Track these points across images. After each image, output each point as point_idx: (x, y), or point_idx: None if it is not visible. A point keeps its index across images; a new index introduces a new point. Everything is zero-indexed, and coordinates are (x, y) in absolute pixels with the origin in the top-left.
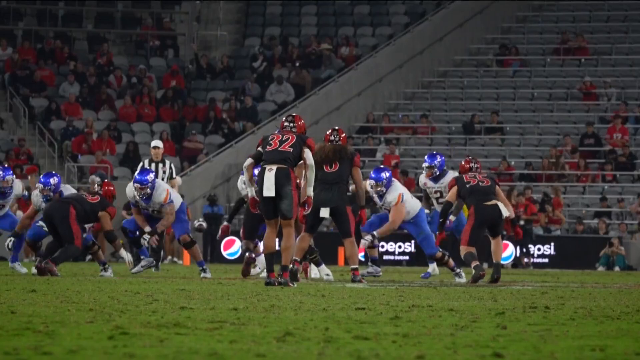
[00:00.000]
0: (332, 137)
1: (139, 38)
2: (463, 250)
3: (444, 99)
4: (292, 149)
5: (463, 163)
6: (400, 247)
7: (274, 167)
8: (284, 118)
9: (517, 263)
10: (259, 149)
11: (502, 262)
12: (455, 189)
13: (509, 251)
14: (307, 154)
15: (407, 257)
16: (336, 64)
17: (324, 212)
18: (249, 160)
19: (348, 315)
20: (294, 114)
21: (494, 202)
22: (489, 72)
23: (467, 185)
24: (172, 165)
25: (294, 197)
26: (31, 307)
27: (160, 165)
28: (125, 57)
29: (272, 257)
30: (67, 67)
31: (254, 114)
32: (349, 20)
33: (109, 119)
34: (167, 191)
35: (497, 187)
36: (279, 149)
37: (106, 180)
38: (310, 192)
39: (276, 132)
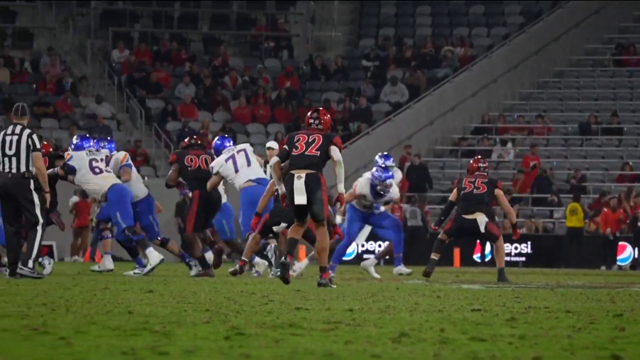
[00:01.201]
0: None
1: (253, 39)
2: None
3: (559, 99)
4: (318, 152)
5: (472, 162)
6: (516, 248)
7: (303, 175)
8: (309, 113)
9: (635, 264)
10: (285, 147)
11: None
12: (455, 190)
13: (627, 252)
14: (335, 151)
15: (523, 259)
16: (452, 65)
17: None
18: (275, 159)
19: (464, 317)
20: (320, 109)
21: (474, 215)
22: (605, 71)
23: (461, 192)
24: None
25: (325, 200)
26: (148, 307)
27: None
28: (240, 59)
29: (296, 243)
30: (183, 69)
31: (368, 115)
32: (463, 21)
33: (224, 120)
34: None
35: (496, 190)
36: (305, 153)
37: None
38: (342, 188)
39: (302, 132)
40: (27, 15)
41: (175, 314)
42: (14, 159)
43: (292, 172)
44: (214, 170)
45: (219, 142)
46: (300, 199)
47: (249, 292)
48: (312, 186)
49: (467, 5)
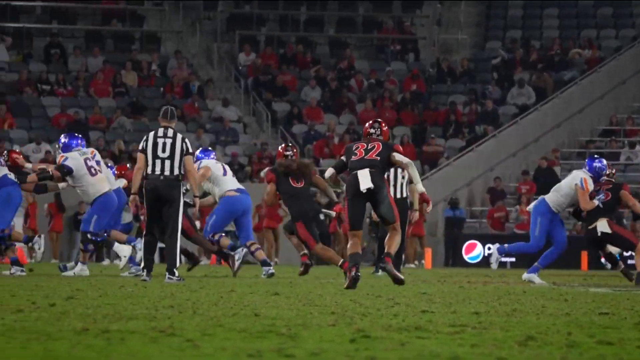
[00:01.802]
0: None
1: (379, 42)
2: None
3: None
4: (379, 157)
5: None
6: None
7: (367, 170)
8: (368, 124)
9: None
10: (342, 158)
11: None
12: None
13: None
14: (399, 156)
15: None
16: (579, 67)
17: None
18: (331, 170)
19: (591, 320)
20: (379, 119)
21: (596, 224)
22: None
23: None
24: None
25: (392, 200)
26: (274, 309)
27: (400, 170)
28: (366, 61)
29: (360, 257)
30: (309, 72)
31: (494, 118)
32: (591, 22)
33: (350, 123)
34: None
35: (621, 192)
36: (365, 157)
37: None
38: (422, 187)
39: (360, 141)
40: (155, 19)
41: (301, 317)
42: (167, 162)
43: (354, 172)
44: (202, 164)
45: (200, 154)
46: (365, 184)
47: (375, 295)
48: (377, 181)
49: (595, 6)
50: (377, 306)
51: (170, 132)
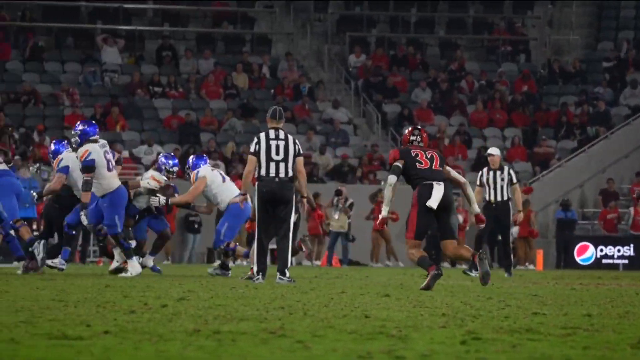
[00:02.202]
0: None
1: (490, 43)
2: None
3: None
4: (441, 169)
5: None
6: None
7: (442, 183)
8: (407, 131)
9: None
10: (398, 164)
11: None
12: None
13: None
14: (455, 173)
15: None
16: None
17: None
18: (394, 178)
19: None
20: (419, 127)
21: None
22: None
23: None
24: (512, 171)
25: (457, 218)
26: (385, 311)
27: (499, 172)
28: (477, 63)
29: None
30: (419, 73)
31: (606, 119)
32: None
33: (460, 124)
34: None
35: None
36: (433, 168)
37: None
38: (477, 209)
39: (414, 148)
40: (266, 22)
41: (412, 318)
42: (282, 164)
43: (429, 182)
44: (201, 174)
45: (195, 161)
46: (435, 203)
47: (486, 296)
48: (450, 198)
49: None
50: (488, 308)
51: (281, 134)
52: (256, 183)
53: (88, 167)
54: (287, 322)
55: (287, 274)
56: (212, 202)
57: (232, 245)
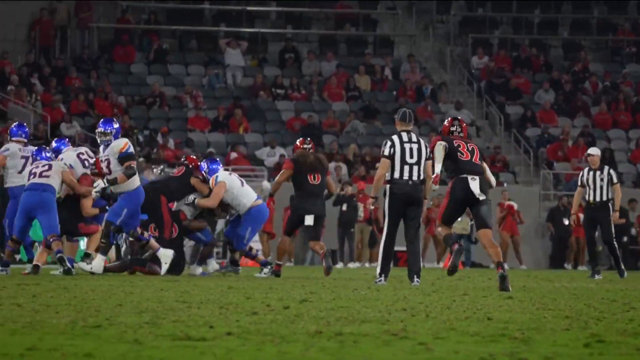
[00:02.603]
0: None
1: (614, 44)
2: None
3: None
4: (480, 162)
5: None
6: None
7: (477, 177)
8: (447, 122)
9: None
10: (443, 142)
11: None
12: None
13: None
14: (489, 173)
15: None
16: None
17: (309, 220)
18: (444, 143)
19: None
20: (459, 117)
21: None
22: None
23: None
24: (612, 172)
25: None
26: (507, 313)
27: (598, 172)
28: (601, 64)
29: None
30: (543, 75)
31: None
32: None
33: (584, 126)
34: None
35: None
36: (473, 161)
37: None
38: None
39: (456, 138)
40: (388, 23)
41: (535, 321)
42: (415, 167)
43: (464, 175)
44: (220, 179)
45: (211, 166)
46: (476, 191)
47: (610, 299)
48: (484, 189)
49: None
50: (612, 310)
51: (414, 137)
52: (387, 186)
53: (130, 155)
54: (409, 324)
55: (418, 277)
56: (231, 205)
57: (253, 251)
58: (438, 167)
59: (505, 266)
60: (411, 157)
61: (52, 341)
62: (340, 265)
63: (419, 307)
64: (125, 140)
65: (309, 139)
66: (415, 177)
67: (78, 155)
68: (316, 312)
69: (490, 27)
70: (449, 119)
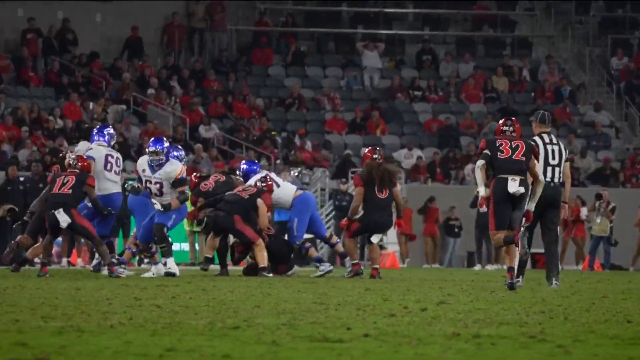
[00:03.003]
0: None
1: None
2: None
3: None
4: (524, 158)
5: None
6: None
7: (517, 178)
8: (501, 122)
9: None
10: (487, 152)
11: None
12: None
13: None
14: (537, 168)
15: None
16: None
17: (375, 239)
18: (482, 162)
19: None
20: (512, 118)
21: None
22: None
23: None
24: None
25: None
26: None
27: None
28: None
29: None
30: None
31: None
32: None
33: None
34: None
35: None
36: (512, 157)
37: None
38: (532, 206)
39: (501, 138)
40: (527, 25)
41: None
42: (556, 169)
43: (504, 175)
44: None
45: (246, 166)
46: (514, 187)
47: None
48: (525, 189)
49: None
50: None
51: (554, 139)
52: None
53: (184, 180)
54: (548, 326)
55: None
56: (277, 206)
57: (306, 244)
58: (482, 190)
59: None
60: (553, 158)
61: (190, 342)
62: (478, 267)
63: (557, 309)
64: (181, 165)
65: (378, 148)
66: (556, 179)
67: (107, 155)
68: (454, 314)
69: (630, 28)
70: (503, 119)
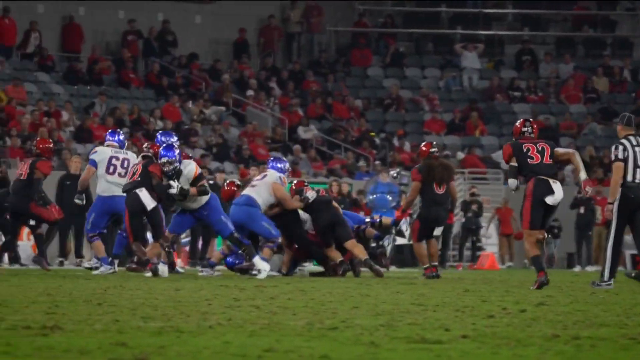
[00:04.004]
0: (524, 129)
1: None
2: None
3: None
4: (551, 160)
5: None
6: None
7: (557, 182)
8: (519, 123)
9: None
10: (512, 164)
11: None
12: None
13: None
14: (561, 150)
15: None
16: None
17: (438, 232)
18: (514, 182)
19: None
20: (530, 119)
21: None
22: None
23: None
24: None
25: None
26: None
27: None
28: None
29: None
30: None
31: None
32: None
33: None
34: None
35: None
36: (544, 162)
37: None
38: (585, 175)
39: (525, 142)
40: (627, 25)
41: None
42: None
43: (544, 177)
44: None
45: (279, 164)
46: (555, 200)
47: None
48: (561, 195)
49: None
50: None
51: None
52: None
53: (202, 176)
54: None
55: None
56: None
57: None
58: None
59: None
60: None
61: (288, 343)
62: (577, 268)
63: None
64: (194, 164)
65: (435, 142)
66: (637, 180)
67: (111, 158)
68: (553, 316)
69: None
70: (521, 120)
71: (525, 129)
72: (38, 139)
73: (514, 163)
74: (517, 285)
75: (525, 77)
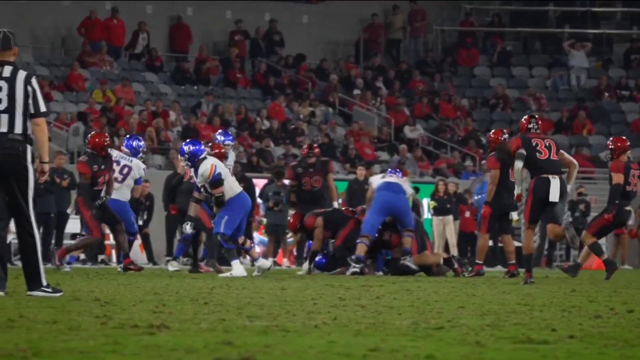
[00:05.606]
0: (529, 125)
1: None
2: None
3: None
4: (557, 156)
5: None
6: None
7: (557, 177)
8: (524, 119)
9: None
10: (521, 151)
11: None
12: None
13: None
14: (567, 156)
15: None
16: None
17: (515, 216)
18: (520, 163)
19: None
20: (535, 115)
21: None
22: None
23: None
24: None
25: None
26: None
27: None
28: None
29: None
30: None
31: None
32: None
33: None
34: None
35: None
36: (551, 158)
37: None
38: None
39: (533, 136)
40: None
41: None
42: None
43: (545, 175)
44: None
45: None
46: (554, 197)
47: None
48: (562, 190)
49: None
50: None
51: None
52: None
53: (219, 181)
54: None
55: None
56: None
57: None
58: (518, 189)
59: None
60: None
61: (394, 342)
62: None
63: None
64: (210, 163)
65: (505, 130)
66: None
67: (117, 159)
68: None
69: None
70: (526, 116)
71: (531, 125)
72: (92, 134)
73: (522, 151)
74: (625, 286)
75: (633, 76)
